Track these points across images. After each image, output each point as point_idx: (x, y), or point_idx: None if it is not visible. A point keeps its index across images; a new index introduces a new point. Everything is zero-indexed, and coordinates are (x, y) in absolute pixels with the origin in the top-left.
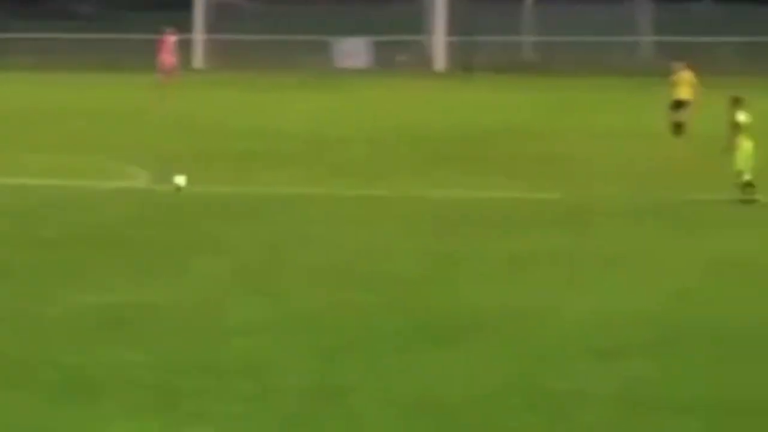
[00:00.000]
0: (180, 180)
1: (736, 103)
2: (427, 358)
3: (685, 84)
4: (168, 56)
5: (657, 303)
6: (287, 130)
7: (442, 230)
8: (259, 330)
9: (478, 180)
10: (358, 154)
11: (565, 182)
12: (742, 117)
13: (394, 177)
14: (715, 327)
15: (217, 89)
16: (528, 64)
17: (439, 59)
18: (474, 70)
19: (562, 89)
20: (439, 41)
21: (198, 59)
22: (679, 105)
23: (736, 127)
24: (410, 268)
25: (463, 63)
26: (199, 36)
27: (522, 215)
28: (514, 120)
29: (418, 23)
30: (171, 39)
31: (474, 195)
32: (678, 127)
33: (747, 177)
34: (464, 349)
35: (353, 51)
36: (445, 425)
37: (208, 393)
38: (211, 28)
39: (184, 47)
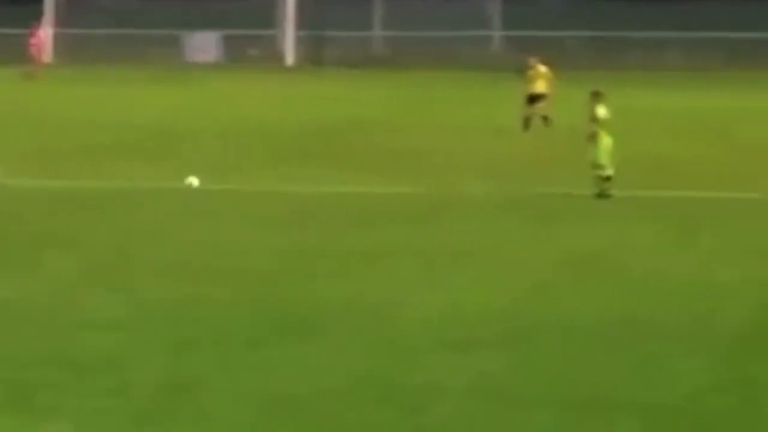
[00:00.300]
0: (193, 180)
1: (596, 97)
2: (280, 353)
3: (540, 78)
4: (37, 50)
5: (510, 297)
6: (137, 124)
7: (296, 225)
8: (111, 325)
9: (331, 174)
10: (209, 148)
11: (418, 176)
12: (602, 111)
13: (246, 171)
14: (567, 322)
15: (67, 84)
16: (379, 59)
17: (290, 54)
18: (325, 64)
19: (414, 84)
20: (289, 36)
21: (47, 54)
22: (534, 99)
23: (595, 121)
24: (263, 263)
25: (314, 57)
26: (48, 30)
27: (375, 210)
28: (366, 114)
29: (269, 17)
30: (43, 33)
31: (327, 189)
32: (528, 121)
33: (609, 172)
34: (317, 343)
35: (203, 45)
36: (296, 420)
37: (62, 388)
38: (61, 22)
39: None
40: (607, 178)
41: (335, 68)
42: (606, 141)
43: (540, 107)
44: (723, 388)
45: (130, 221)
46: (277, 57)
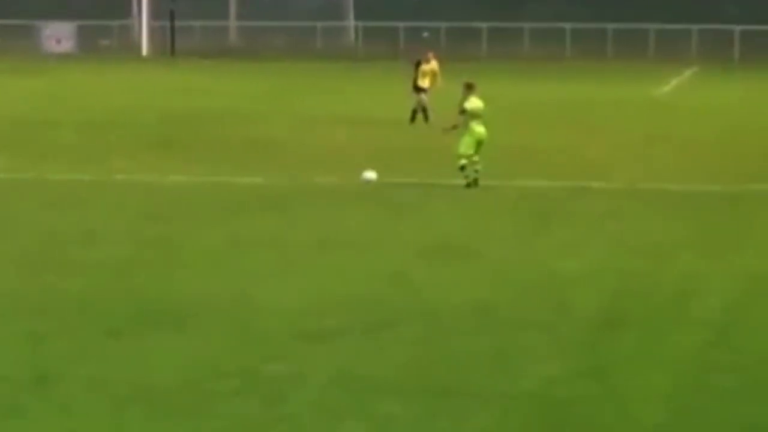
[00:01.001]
0: (371, 174)
1: (469, 89)
2: (140, 344)
3: (430, 72)
4: None
5: (368, 287)
6: None
7: (153, 215)
8: None
9: (187, 164)
10: (65, 138)
11: (274, 167)
12: (472, 103)
13: (103, 161)
14: (426, 310)
15: None
16: (234, 49)
17: (145, 44)
18: (179, 54)
19: (269, 74)
20: (144, 26)
21: None
22: (419, 91)
23: (463, 113)
24: (121, 253)
25: (169, 48)
26: None
27: (232, 200)
28: (222, 105)
29: (123, 8)
30: None
31: (183, 179)
32: (416, 114)
33: (474, 162)
34: (177, 334)
35: (59, 35)
36: (157, 411)
37: None
38: None
39: None
40: (462, 168)
41: (190, 58)
42: (477, 131)
43: (423, 99)
44: (578, 376)
45: None
46: (132, 47)
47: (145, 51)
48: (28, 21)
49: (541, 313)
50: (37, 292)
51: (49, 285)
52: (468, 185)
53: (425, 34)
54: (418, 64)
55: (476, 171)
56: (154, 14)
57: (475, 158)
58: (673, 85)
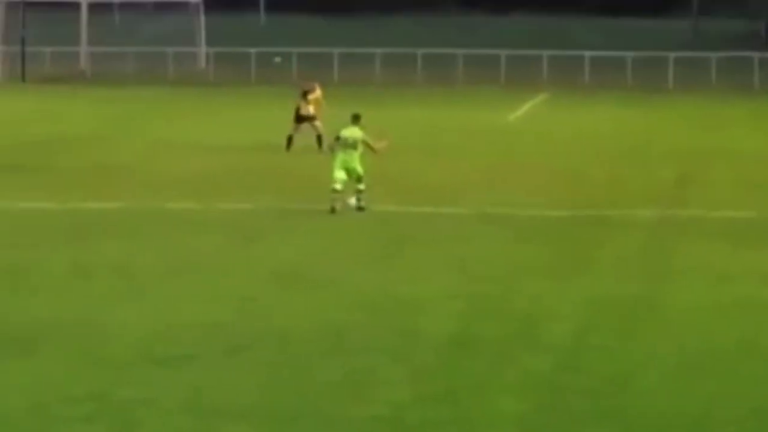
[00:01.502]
0: (353, 201)
1: (355, 119)
2: None
3: (315, 101)
4: None
5: (220, 311)
6: None
7: (3, 241)
8: None
9: (37, 190)
10: None
11: (125, 192)
12: (347, 132)
13: None
14: (277, 335)
15: None
16: (84, 74)
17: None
18: (29, 80)
19: (120, 99)
20: None
21: None
22: (301, 119)
23: (337, 139)
24: None
25: (20, 73)
26: None
27: (81, 226)
28: (73, 130)
29: None
30: None
31: (33, 205)
32: (291, 141)
33: (358, 189)
34: (24, 359)
35: None
36: None
37: None
38: None
39: None
40: (333, 190)
41: (40, 84)
42: (340, 158)
43: (305, 127)
44: (429, 400)
45: None
46: None
47: None
48: None
49: (391, 338)
50: None
51: None
52: (333, 210)
53: (277, 59)
54: (305, 94)
55: (358, 199)
56: (5, 39)
57: (359, 186)
58: (524, 110)
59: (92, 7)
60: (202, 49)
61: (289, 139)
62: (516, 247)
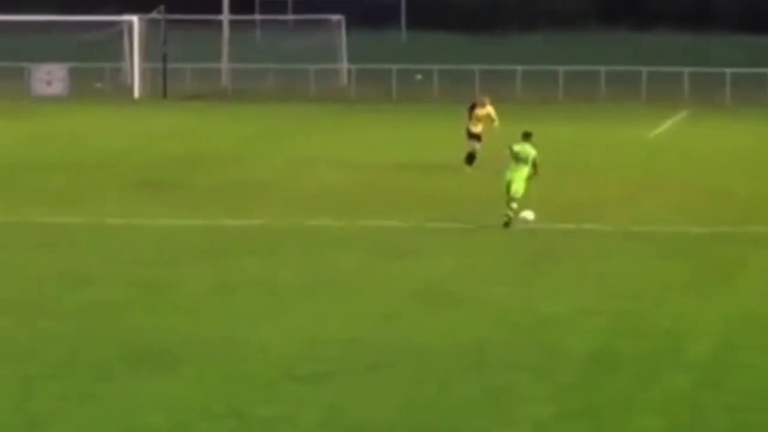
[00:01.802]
0: (529, 215)
1: (526, 137)
2: (130, 387)
3: (484, 118)
4: None
5: (360, 329)
6: None
7: (143, 258)
8: None
9: (179, 207)
10: (55, 181)
11: (265, 209)
12: (518, 147)
13: (94, 204)
14: (417, 352)
15: None
16: (225, 91)
17: (137, 86)
18: (171, 97)
19: (261, 116)
20: (136, 68)
21: None
22: (473, 137)
23: (512, 155)
24: (111, 297)
25: (161, 90)
26: None
27: (223, 242)
28: (213, 147)
29: (116, 50)
30: None
31: (174, 223)
32: (472, 157)
33: (511, 206)
34: (168, 377)
35: (50, 77)
36: None
37: None
38: None
39: None
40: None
41: (181, 100)
42: (508, 175)
43: (476, 144)
44: (569, 415)
45: None
46: (125, 89)
47: (137, 93)
48: (18, 63)
49: (532, 355)
50: (28, 336)
51: (40, 329)
52: (505, 224)
53: (418, 77)
54: (472, 108)
55: (507, 214)
56: (146, 57)
57: (512, 205)
58: (665, 127)
59: (234, 24)
60: (344, 66)
61: (470, 156)
62: (658, 263)
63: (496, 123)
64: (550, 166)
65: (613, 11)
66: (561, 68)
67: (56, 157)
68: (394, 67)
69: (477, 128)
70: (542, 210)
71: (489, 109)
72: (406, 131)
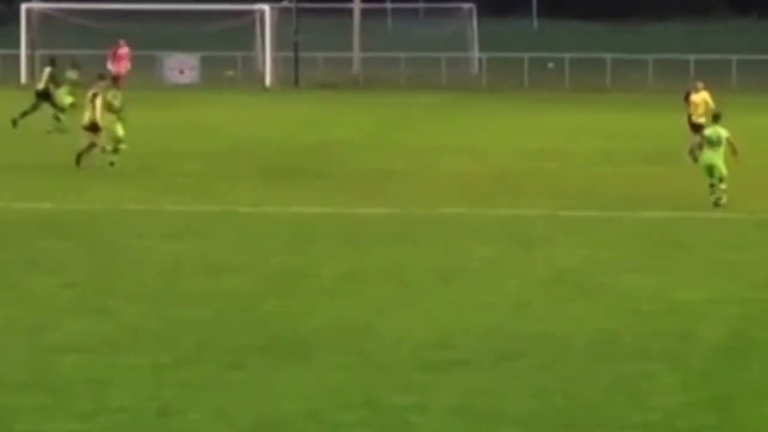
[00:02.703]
0: None
1: (716, 118)
2: (263, 375)
3: (702, 104)
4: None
5: (494, 318)
6: None
7: (278, 246)
8: (90, 347)
9: (311, 195)
10: (189, 169)
11: (397, 197)
12: (709, 130)
13: (227, 192)
14: (550, 341)
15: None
16: (357, 80)
17: (269, 75)
18: (303, 85)
19: (392, 105)
20: (267, 57)
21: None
22: (696, 128)
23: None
24: (244, 285)
25: (293, 79)
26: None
27: (355, 231)
28: (345, 135)
29: (247, 39)
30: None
31: (307, 210)
32: (694, 153)
33: (719, 187)
34: (302, 365)
35: (182, 66)
36: None
37: (43, 411)
38: (34, 43)
39: (13, 63)
40: (710, 186)
41: (314, 89)
42: (707, 155)
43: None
44: (702, 404)
45: (113, 243)
46: (256, 78)
47: (268, 82)
48: (150, 51)
49: (665, 343)
50: (161, 324)
51: (172, 317)
52: (714, 204)
53: (550, 65)
54: (687, 96)
55: (718, 197)
56: (278, 46)
57: (721, 186)
58: None
59: (365, 13)
60: (475, 55)
61: (693, 152)
62: None
63: (711, 105)
64: (680, 155)
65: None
66: (692, 57)
67: (189, 146)
68: (526, 55)
69: (699, 117)
70: (674, 199)
71: (704, 95)
72: (538, 119)
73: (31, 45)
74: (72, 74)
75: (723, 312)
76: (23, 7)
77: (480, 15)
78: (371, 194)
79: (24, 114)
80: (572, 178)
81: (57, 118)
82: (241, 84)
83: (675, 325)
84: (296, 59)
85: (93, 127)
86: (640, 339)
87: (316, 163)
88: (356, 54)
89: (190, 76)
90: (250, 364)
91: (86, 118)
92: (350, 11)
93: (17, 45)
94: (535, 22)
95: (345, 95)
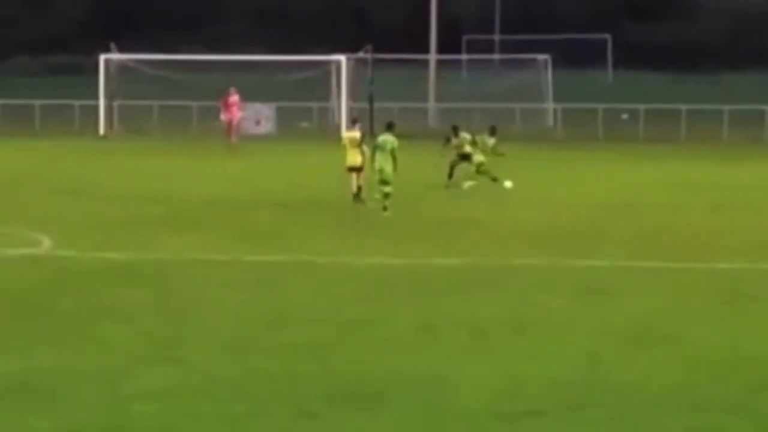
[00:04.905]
0: (508, 183)
1: None
2: (335, 426)
3: None
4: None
5: (566, 368)
6: (191, 195)
7: (351, 296)
8: (164, 397)
9: (384, 245)
10: (263, 219)
11: (471, 247)
12: None
13: (301, 242)
14: (622, 393)
15: (120, 155)
16: (433, 130)
17: (344, 126)
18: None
19: None
20: (343, 108)
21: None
22: None
23: None
24: (317, 335)
25: (368, 129)
26: (101, 102)
27: (429, 280)
28: (421, 185)
29: (323, 90)
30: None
31: (381, 261)
32: None
33: None
34: (375, 415)
35: (258, 117)
36: None
37: None
38: (113, 93)
39: (91, 114)
40: None
41: None
42: None
43: None
44: None
45: (185, 293)
46: (331, 128)
47: (343, 133)
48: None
49: (735, 395)
50: (235, 373)
51: (246, 367)
52: None
53: (624, 116)
54: None
55: None
56: (353, 96)
57: None
58: None
59: (440, 63)
60: (550, 106)
61: None
62: None
63: None
64: (754, 205)
65: None
66: (767, 108)
67: (263, 196)
68: (600, 106)
69: None
70: (745, 250)
71: None
72: (612, 170)
73: (110, 95)
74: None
75: None
76: (102, 57)
77: (555, 66)
78: (445, 244)
79: None
80: (643, 228)
81: None
82: (316, 134)
83: (747, 377)
84: (371, 110)
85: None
86: (712, 391)
87: (391, 213)
88: (432, 105)
89: (266, 126)
90: (322, 414)
91: None
92: (425, 62)
93: (96, 95)
94: (610, 73)
95: (421, 146)
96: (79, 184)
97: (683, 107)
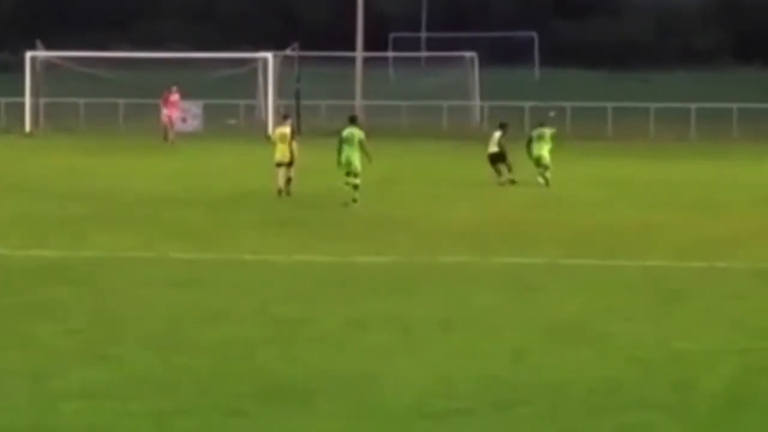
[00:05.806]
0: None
1: None
2: (264, 423)
3: None
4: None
5: (494, 366)
6: (120, 193)
7: (279, 293)
8: (93, 394)
9: (316, 243)
10: (191, 216)
11: (398, 246)
12: None
13: (230, 240)
14: (549, 390)
15: (48, 152)
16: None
17: (271, 123)
18: (306, 133)
19: (394, 153)
20: (270, 105)
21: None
22: None
23: None
24: (245, 333)
25: (295, 127)
26: (27, 99)
27: (357, 279)
28: None
29: (249, 88)
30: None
31: (309, 259)
32: None
33: None
34: (303, 413)
35: (185, 114)
36: None
37: None
38: (39, 91)
39: (18, 111)
40: None
41: (316, 137)
42: None
43: None
44: None
45: (114, 291)
46: (258, 126)
47: (271, 130)
48: (153, 100)
49: (665, 393)
50: (163, 371)
51: (175, 365)
52: None
53: (551, 113)
54: None
55: None
56: (280, 93)
57: None
58: None
59: (367, 61)
60: (477, 103)
61: None
62: None
63: None
64: (682, 204)
65: (747, 49)
66: (693, 106)
67: (192, 193)
68: (527, 104)
69: None
70: (674, 248)
71: None
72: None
73: (36, 93)
74: None
75: (724, 362)
76: (28, 55)
77: (482, 64)
78: (373, 243)
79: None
80: (573, 226)
81: None
82: (243, 132)
83: (676, 374)
84: (298, 107)
85: None
86: (640, 388)
87: (318, 211)
88: (358, 102)
89: (193, 123)
90: (250, 412)
91: None
92: (352, 60)
93: (22, 93)
94: (537, 71)
95: None
96: (6, 181)
97: (609, 105)
